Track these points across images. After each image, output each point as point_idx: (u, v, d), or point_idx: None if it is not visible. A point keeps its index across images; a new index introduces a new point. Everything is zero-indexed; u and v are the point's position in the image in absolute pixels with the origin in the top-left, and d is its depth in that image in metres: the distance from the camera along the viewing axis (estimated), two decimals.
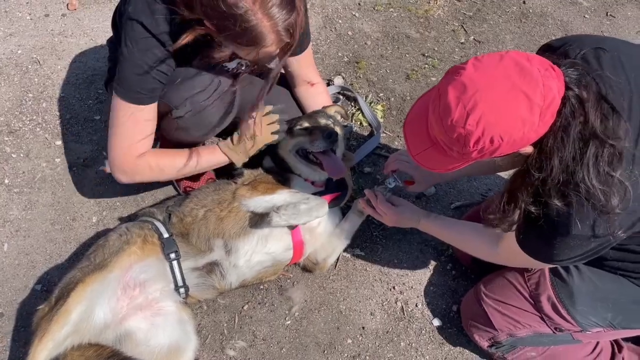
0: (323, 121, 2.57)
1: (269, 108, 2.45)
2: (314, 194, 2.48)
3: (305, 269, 2.62)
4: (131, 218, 2.60)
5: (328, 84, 3.42)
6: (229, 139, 2.41)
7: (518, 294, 2.25)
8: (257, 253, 2.33)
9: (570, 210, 1.65)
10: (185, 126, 2.30)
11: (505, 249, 2.06)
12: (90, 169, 2.88)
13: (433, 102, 1.69)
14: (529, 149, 1.66)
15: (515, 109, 1.51)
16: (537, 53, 1.86)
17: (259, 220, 2.33)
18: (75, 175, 2.85)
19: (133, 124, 2.22)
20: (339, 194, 2.58)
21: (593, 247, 1.76)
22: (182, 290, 2.29)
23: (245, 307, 2.51)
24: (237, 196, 2.35)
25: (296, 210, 2.20)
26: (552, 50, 1.83)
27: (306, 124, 2.54)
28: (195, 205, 2.37)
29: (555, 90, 1.53)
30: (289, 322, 2.48)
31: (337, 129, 2.60)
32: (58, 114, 3.08)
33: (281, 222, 2.19)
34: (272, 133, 2.43)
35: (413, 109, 1.89)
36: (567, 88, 1.56)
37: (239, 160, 2.43)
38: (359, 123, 3.27)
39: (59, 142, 2.96)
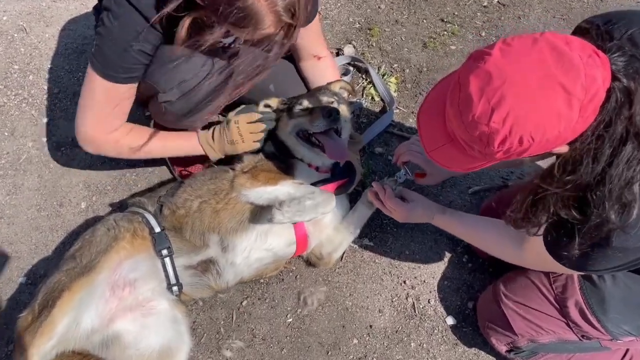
0: (325, 99, 2.33)
1: (255, 116, 2.29)
2: (319, 181, 2.26)
3: (309, 263, 2.43)
4: (122, 206, 2.41)
5: (337, 54, 3.15)
6: (210, 130, 2.28)
7: (542, 297, 2.05)
8: (256, 250, 2.14)
9: (611, 220, 1.43)
10: (174, 111, 2.09)
11: (531, 252, 1.85)
12: (79, 149, 2.66)
13: (452, 92, 1.46)
14: (563, 148, 1.44)
15: (550, 104, 1.29)
16: (573, 33, 1.62)
17: (258, 213, 2.13)
18: (63, 156, 2.65)
19: (106, 102, 2.06)
20: (347, 180, 2.36)
21: (634, 259, 1.55)
22: (175, 288, 2.12)
23: (244, 303, 2.34)
24: (235, 186, 2.14)
25: (301, 207, 1.99)
26: (593, 30, 1.56)
27: (306, 103, 2.30)
28: (189, 196, 2.16)
29: (599, 81, 1.30)
30: (290, 319, 2.31)
31: (342, 107, 2.36)
32: (46, 87, 2.86)
33: (284, 219, 1.98)
34: (255, 141, 2.28)
35: (428, 97, 1.67)
36: (614, 78, 1.33)
37: (214, 156, 2.32)
38: (370, 98, 3.01)
39: (46, 120, 2.75)
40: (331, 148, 2.19)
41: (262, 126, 2.27)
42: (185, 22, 1.72)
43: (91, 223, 2.47)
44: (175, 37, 1.81)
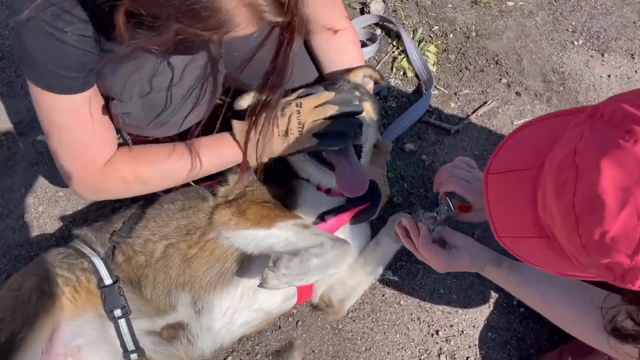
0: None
1: (326, 96, 1.58)
2: (331, 210, 1.68)
3: (315, 307, 1.88)
4: (68, 231, 1.84)
5: (362, 11, 2.43)
6: (245, 122, 1.54)
7: None
8: (242, 311, 1.59)
9: None
10: (136, 125, 1.48)
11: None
12: (25, 139, 2.08)
13: (558, 169, 0.87)
14: None
15: None
16: None
17: (246, 262, 1.56)
18: (4, 149, 2.06)
19: (77, 123, 1.43)
20: (368, 206, 1.76)
21: None
22: (134, 355, 1.59)
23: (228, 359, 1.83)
24: (215, 223, 1.56)
25: (304, 268, 1.40)
26: None
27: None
28: (151, 235, 1.58)
29: None
30: None
31: (366, 106, 1.72)
32: None
33: (280, 285, 1.40)
34: (314, 135, 1.54)
35: (506, 148, 1.07)
36: None
37: (252, 159, 1.58)
38: (401, 73, 2.33)
39: None
40: (343, 177, 1.57)
41: (333, 108, 1.55)
42: (119, 15, 1.07)
43: (35, 244, 1.93)
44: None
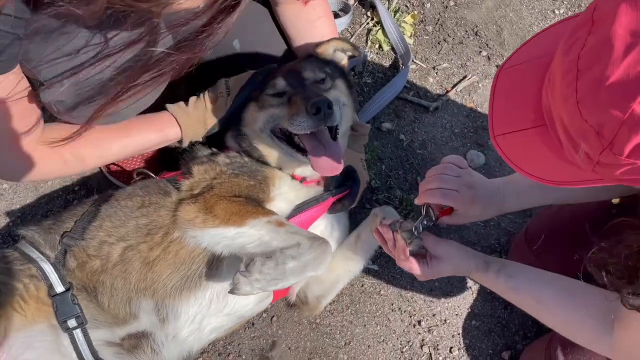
0: (311, 75, 1.53)
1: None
2: (309, 201, 1.55)
3: (291, 305, 1.76)
4: (16, 228, 1.65)
5: None
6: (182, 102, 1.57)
7: None
8: (211, 317, 1.46)
9: None
10: (72, 114, 1.30)
11: (628, 341, 1.22)
12: None
13: (572, 31, 0.84)
14: None
15: None
16: None
17: (215, 263, 1.42)
18: None
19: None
20: (347, 193, 1.64)
21: None
22: None
23: None
24: (179, 221, 1.40)
25: (279, 272, 1.27)
26: None
27: (282, 84, 1.50)
28: (106, 236, 1.42)
29: None
30: None
31: (339, 84, 1.58)
32: None
33: (253, 291, 1.27)
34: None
35: (525, 47, 1.05)
36: None
37: (192, 134, 1.58)
38: (377, 46, 2.18)
39: None
40: (316, 157, 1.43)
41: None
42: None
43: None
44: None
